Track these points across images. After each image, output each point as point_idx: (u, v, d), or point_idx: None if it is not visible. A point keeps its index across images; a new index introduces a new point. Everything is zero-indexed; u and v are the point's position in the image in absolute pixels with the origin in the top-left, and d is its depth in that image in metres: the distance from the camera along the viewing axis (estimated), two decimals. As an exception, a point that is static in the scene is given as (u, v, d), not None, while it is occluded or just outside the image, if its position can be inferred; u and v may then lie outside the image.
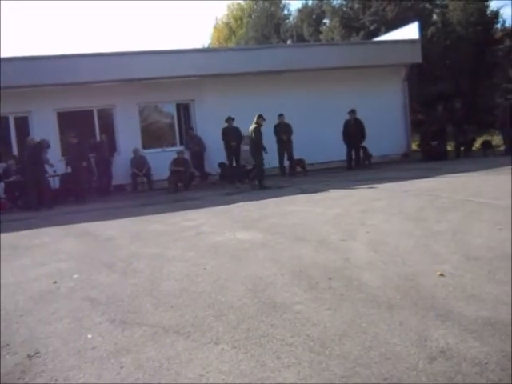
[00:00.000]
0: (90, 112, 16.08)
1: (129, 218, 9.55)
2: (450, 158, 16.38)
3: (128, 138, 16.02)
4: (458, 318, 3.51)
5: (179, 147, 16.25)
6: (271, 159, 14.80)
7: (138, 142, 16.13)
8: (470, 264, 4.74)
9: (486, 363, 2.89)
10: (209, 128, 16.04)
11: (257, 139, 13.23)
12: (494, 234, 5.79)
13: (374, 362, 3.01)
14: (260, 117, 13.29)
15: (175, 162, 14.59)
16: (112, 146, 15.95)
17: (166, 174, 14.58)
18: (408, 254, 5.25)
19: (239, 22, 43.12)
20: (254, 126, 13.32)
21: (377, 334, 3.37)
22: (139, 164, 15.55)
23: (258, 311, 3.97)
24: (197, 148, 15.98)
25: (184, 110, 17.08)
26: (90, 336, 3.76)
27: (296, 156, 15.62)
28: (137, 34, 69.07)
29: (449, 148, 17.59)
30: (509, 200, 7.77)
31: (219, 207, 9.98)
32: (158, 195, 13.70)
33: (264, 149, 13.49)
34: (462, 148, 17.06)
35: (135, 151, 15.60)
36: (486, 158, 15.64)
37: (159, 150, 16.58)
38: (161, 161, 15.04)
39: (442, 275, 4.45)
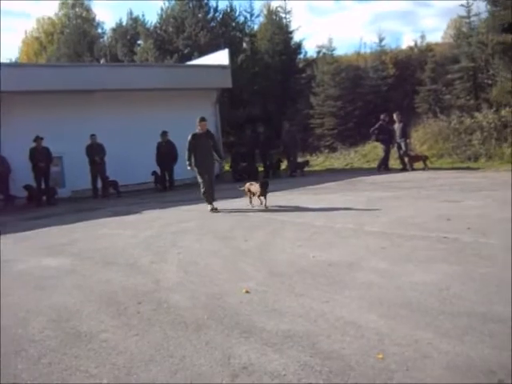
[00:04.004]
0: None
1: None
2: (259, 179, 17.18)
3: None
4: (260, 333, 3.68)
5: (-19, 169, 14.86)
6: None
7: None
8: (273, 280, 5.02)
9: (284, 375, 3.06)
10: (15, 148, 14.88)
11: (189, 147, 10.45)
12: (295, 250, 6.22)
13: (180, 385, 3.02)
14: (201, 120, 10.60)
15: (-26, 184, 13.32)
16: None
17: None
18: (216, 273, 5.40)
19: (50, 37, 41.22)
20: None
21: (183, 356, 3.40)
22: None
23: (61, 343, 3.78)
24: (1, 169, 14.75)
25: (-13, 128, 15.69)
26: None
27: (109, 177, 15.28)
28: None
29: (260, 169, 18.53)
30: (307, 218, 8.42)
31: (24, 233, 9.32)
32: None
33: (220, 157, 11.43)
34: (271, 170, 18.08)
35: None
36: (293, 178, 16.73)
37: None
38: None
39: (247, 292, 4.65)
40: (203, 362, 3.30)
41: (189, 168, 10.58)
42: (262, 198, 10.04)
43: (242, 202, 10.93)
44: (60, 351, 3.64)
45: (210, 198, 10.41)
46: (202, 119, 10.59)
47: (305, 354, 3.29)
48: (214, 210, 10.16)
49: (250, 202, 10.39)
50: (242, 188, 10.77)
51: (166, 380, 3.09)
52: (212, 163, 10.83)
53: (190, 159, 10.46)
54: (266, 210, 9.71)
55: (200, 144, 10.40)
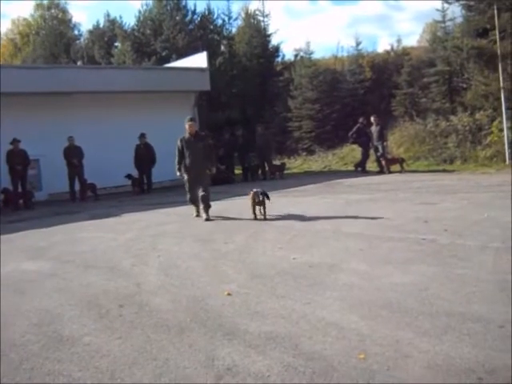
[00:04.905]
0: None
1: None
2: (237, 182, 17.25)
3: None
4: (243, 335, 3.71)
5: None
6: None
7: None
8: (254, 282, 5.05)
9: (268, 376, 3.09)
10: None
11: (177, 152, 9.73)
12: (276, 252, 6.26)
13: (164, 387, 3.03)
14: (190, 120, 9.81)
15: None
16: None
17: None
18: (198, 276, 5.41)
19: (26, 38, 40.77)
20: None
21: (167, 359, 3.41)
22: None
23: (43, 347, 3.75)
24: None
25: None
26: None
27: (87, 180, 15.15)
28: None
29: (238, 172, 18.55)
30: (287, 221, 8.46)
31: (1, 236, 9.17)
32: None
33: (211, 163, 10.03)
34: (249, 172, 18.13)
35: None
36: (271, 181, 16.77)
37: None
38: None
39: (229, 294, 4.67)
40: (187, 364, 3.31)
41: (178, 174, 9.84)
42: (261, 207, 8.90)
43: (221, 206, 10.94)
44: (42, 355, 3.61)
45: (197, 204, 9.75)
46: (189, 119, 9.78)
47: (288, 355, 3.33)
48: (198, 216, 9.67)
49: (254, 213, 8.96)
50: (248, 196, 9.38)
51: (151, 382, 3.10)
52: (204, 170, 9.73)
53: (178, 164, 9.70)
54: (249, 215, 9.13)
55: (188, 149, 9.54)
